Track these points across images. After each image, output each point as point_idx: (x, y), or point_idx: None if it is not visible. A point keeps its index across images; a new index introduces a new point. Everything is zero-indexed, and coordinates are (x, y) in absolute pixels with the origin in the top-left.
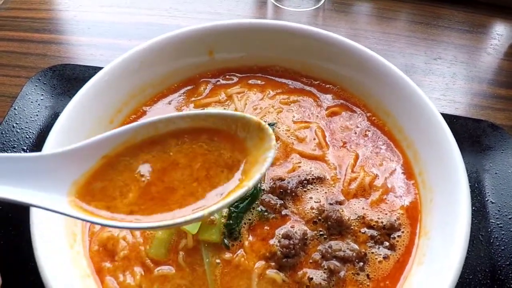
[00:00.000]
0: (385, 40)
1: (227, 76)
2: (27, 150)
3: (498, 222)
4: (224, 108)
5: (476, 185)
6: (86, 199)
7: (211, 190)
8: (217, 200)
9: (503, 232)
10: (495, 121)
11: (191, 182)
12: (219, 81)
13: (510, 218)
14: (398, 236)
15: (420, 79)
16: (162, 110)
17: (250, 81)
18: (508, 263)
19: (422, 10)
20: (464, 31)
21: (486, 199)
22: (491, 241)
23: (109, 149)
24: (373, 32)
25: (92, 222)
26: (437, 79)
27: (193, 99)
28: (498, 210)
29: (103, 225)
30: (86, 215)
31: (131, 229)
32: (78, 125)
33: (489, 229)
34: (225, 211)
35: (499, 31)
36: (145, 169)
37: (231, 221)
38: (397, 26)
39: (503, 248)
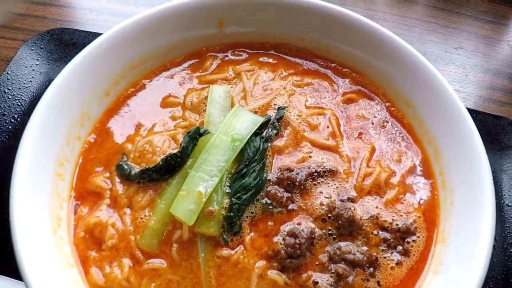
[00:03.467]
0: (404, 24)
1: (236, 52)
2: (18, 118)
3: None
4: (231, 87)
5: None
6: None
7: None
8: None
9: None
10: None
11: None
12: (227, 56)
13: None
14: (413, 240)
15: (439, 69)
16: (163, 84)
17: (261, 59)
18: None
19: None
20: (487, 22)
21: (502, 201)
22: (505, 246)
23: None
24: (392, 15)
25: None
26: (457, 70)
27: (197, 74)
28: None
29: None
30: None
31: None
32: (70, 96)
33: (504, 234)
34: (226, 202)
35: None
36: None
37: (231, 214)
38: (417, 10)
39: None
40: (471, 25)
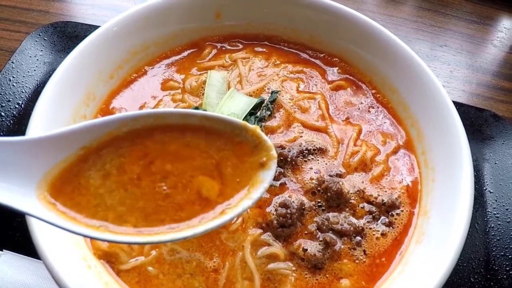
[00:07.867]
0: (392, 23)
1: (233, 42)
2: (22, 105)
3: (495, 212)
4: (228, 72)
5: (475, 173)
6: (58, 195)
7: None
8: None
9: (499, 223)
10: (497, 112)
11: (177, 189)
12: (224, 46)
13: (507, 209)
14: (397, 214)
15: None
16: (164, 70)
17: (255, 49)
18: (502, 253)
19: None
20: (472, 22)
21: (484, 188)
22: (487, 230)
23: (89, 140)
24: (380, 14)
25: (62, 228)
26: (442, 66)
27: (196, 61)
28: (496, 200)
29: (74, 232)
30: (57, 215)
31: (101, 240)
32: (77, 77)
33: (486, 218)
34: None
35: (506, 24)
36: (128, 167)
37: None
38: (405, 10)
39: (498, 238)
40: (456, 25)
